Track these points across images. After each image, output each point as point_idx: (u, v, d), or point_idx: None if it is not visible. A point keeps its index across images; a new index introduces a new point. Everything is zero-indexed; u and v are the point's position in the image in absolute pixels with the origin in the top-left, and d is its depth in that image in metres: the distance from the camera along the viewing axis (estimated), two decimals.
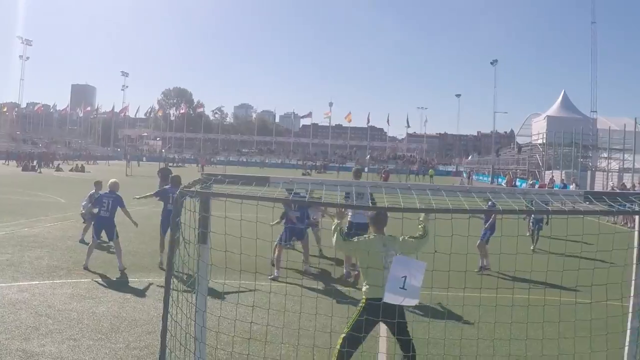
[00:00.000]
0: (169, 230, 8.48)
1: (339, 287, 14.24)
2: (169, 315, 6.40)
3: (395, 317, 7.89)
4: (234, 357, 9.74)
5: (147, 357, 10.40)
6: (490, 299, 10.51)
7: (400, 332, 8.30)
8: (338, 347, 8.51)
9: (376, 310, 7.98)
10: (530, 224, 26.97)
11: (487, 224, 18.25)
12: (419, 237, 8.84)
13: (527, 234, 27.27)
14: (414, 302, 7.22)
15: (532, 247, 24.41)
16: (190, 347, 7.13)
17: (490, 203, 7.44)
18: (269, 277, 15.51)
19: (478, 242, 18.11)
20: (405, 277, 7.09)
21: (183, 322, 7.01)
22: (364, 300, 8.52)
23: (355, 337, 8.44)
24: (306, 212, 17.96)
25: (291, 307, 10.86)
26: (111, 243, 18.04)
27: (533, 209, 7.50)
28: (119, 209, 17.42)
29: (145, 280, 15.77)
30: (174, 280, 6.67)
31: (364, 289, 8.61)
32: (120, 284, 15.13)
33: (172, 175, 19.65)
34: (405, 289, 7.08)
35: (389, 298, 7.28)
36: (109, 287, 14.83)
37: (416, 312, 10.39)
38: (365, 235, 9.08)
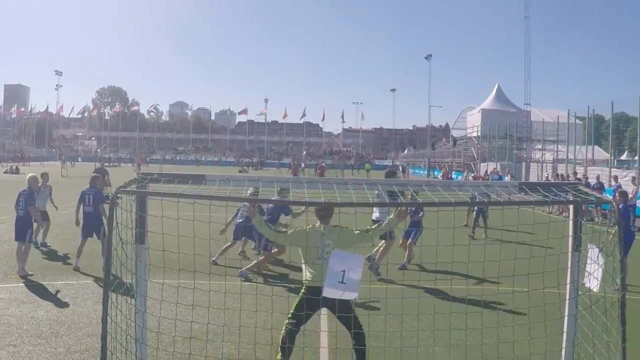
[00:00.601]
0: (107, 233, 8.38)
1: (279, 284, 14.22)
2: (108, 317, 6.32)
3: (335, 300, 7.98)
4: (176, 357, 9.68)
5: None
6: (429, 291, 10.62)
7: (341, 310, 8.39)
8: (283, 329, 8.72)
9: (316, 295, 8.15)
10: (474, 214, 27.60)
11: (412, 221, 18.34)
12: (365, 231, 8.92)
13: (464, 224, 27.83)
14: (353, 295, 7.24)
15: (483, 236, 24.97)
16: (132, 349, 7.05)
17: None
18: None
19: (408, 241, 18.30)
20: (344, 271, 7.10)
21: (123, 324, 6.94)
22: (304, 288, 8.79)
23: (298, 316, 8.67)
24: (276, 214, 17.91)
25: (231, 304, 10.81)
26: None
27: (470, 200, 7.59)
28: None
29: (84, 282, 15.58)
30: (113, 281, 6.59)
31: (304, 277, 8.85)
32: (59, 287, 14.91)
33: (92, 175, 19.37)
34: (344, 283, 7.09)
35: (328, 292, 7.30)
36: (47, 291, 14.61)
37: (356, 306, 10.41)
38: (303, 227, 9.19)
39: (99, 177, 18.93)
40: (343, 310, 8.37)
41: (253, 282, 9.74)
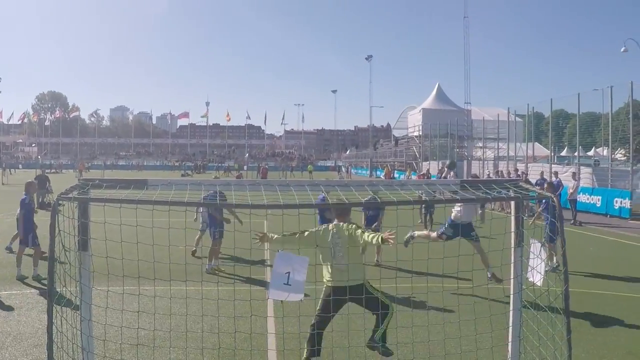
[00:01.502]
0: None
1: (225, 287, 14.12)
2: (54, 327, 6.22)
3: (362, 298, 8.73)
4: None
5: None
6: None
7: (368, 303, 8.92)
8: (309, 330, 9.05)
9: (338, 295, 8.76)
10: (422, 210, 28.35)
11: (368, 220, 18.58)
12: (361, 233, 9.02)
13: (419, 222, 28.18)
14: (298, 297, 7.24)
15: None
16: (78, 358, 6.95)
17: (370, 197, 7.52)
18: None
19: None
20: (289, 272, 7.10)
21: (69, 333, 6.83)
22: (325, 288, 9.19)
23: (323, 317, 9.04)
24: None
25: (177, 309, 10.75)
26: None
27: (418, 198, 7.62)
28: None
29: (28, 291, 15.37)
30: (57, 290, 6.49)
31: (324, 278, 9.19)
32: (2, 298, 14.66)
33: (26, 182, 19.40)
34: (290, 285, 7.08)
35: (274, 294, 7.29)
36: None
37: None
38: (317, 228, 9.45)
39: (32, 184, 18.98)
40: (371, 303, 8.92)
41: (198, 287, 9.64)
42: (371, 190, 7.26)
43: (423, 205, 27.65)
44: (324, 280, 9.10)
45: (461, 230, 15.10)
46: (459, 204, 15.53)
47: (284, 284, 7.08)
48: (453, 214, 16.22)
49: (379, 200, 7.18)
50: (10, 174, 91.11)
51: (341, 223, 9.24)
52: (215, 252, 18.50)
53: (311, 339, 9.06)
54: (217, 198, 10.47)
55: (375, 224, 18.95)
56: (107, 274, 7.58)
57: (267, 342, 10.84)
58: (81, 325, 6.79)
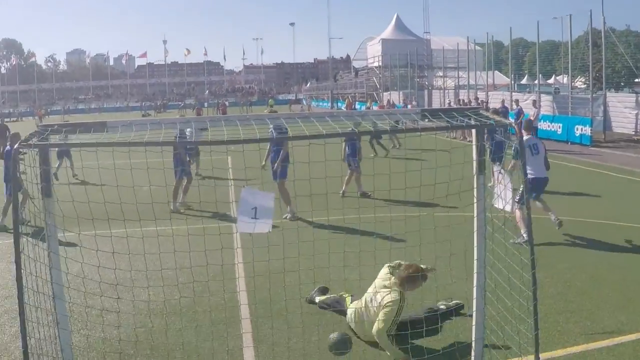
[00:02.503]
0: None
1: (194, 225, 14.05)
2: (23, 277, 6.22)
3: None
4: (94, 309, 9.60)
5: (8, 323, 10.20)
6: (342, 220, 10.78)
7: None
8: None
9: None
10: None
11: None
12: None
13: (372, 155, 28.52)
14: (266, 228, 7.26)
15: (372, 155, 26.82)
16: (50, 307, 6.95)
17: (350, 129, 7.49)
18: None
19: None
20: (255, 207, 7.13)
21: (39, 283, 6.80)
22: None
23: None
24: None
25: (149, 249, 10.81)
26: None
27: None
28: None
29: None
30: (23, 238, 6.47)
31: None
32: None
33: (12, 133, 19.64)
34: (257, 217, 7.12)
35: (241, 228, 7.32)
36: None
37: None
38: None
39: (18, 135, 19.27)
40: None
41: (168, 227, 9.69)
42: (352, 122, 7.21)
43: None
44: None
45: (532, 185, 14.79)
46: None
47: (252, 217, 7.12)
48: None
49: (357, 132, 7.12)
50: None
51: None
52: (177, 190, 18.90)
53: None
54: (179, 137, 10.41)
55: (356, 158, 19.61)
56: (76, 217, 7.58)
57: (237, 271, 11.04)
58: (51, 274, 6.80)
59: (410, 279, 9.01)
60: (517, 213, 13.88)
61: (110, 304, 9.24)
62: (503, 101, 42.42)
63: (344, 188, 19.80)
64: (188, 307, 10.47)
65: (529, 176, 14.81)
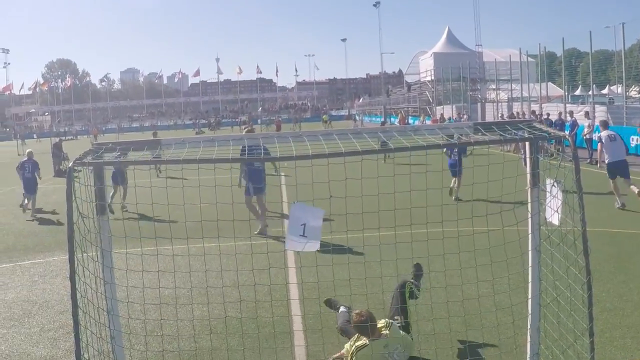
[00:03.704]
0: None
1: (242, 243, 14.15)
2: (77, 293, 6.27)
3: None
4: (149, 324, 9.69)
5: (62, 338, 10.32)
6: (389, 237, 10.69)
7: None
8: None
9: None
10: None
11: None
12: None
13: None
14: (315, 247, 7.20)
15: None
16: (104, 320, 7.02)
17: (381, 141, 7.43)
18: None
19: None
20: (304, 224, 7.08)
21: (93, 298, 6.85)
22: None
23: None
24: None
25: (198, 267, 10.84)
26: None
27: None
28: None
29: (51, 259, 15.53)
30: (78, 256, 6.51)
31: None
32: (26, 267, 14.85)
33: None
34: (306, 235, 7.06)
35: (290, 245, 7.28)
36: (14, 272, 14.55)
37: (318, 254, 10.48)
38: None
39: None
40: None
41: (216, 244, 9.70)
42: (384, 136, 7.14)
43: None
44: None
45: (613, 168, 19.46)
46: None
47: (300, 235, 7.07)
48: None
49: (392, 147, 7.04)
50: (23, 144, 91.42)
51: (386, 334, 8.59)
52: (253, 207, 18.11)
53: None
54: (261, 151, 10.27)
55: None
56: (124, 236, 7.64)
57: (289, 292, 10.97)
58: (104, 289, 6.84)
59: (357, 327, 8.52)
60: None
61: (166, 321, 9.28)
62: (560, 113, 41.96)
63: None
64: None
65: (610, 160, 19.44)
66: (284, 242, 7.33)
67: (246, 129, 22.55)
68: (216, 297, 10.47)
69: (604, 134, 20.57)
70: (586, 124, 37.22)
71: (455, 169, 21.32)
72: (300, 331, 10.02)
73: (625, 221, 17.26)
